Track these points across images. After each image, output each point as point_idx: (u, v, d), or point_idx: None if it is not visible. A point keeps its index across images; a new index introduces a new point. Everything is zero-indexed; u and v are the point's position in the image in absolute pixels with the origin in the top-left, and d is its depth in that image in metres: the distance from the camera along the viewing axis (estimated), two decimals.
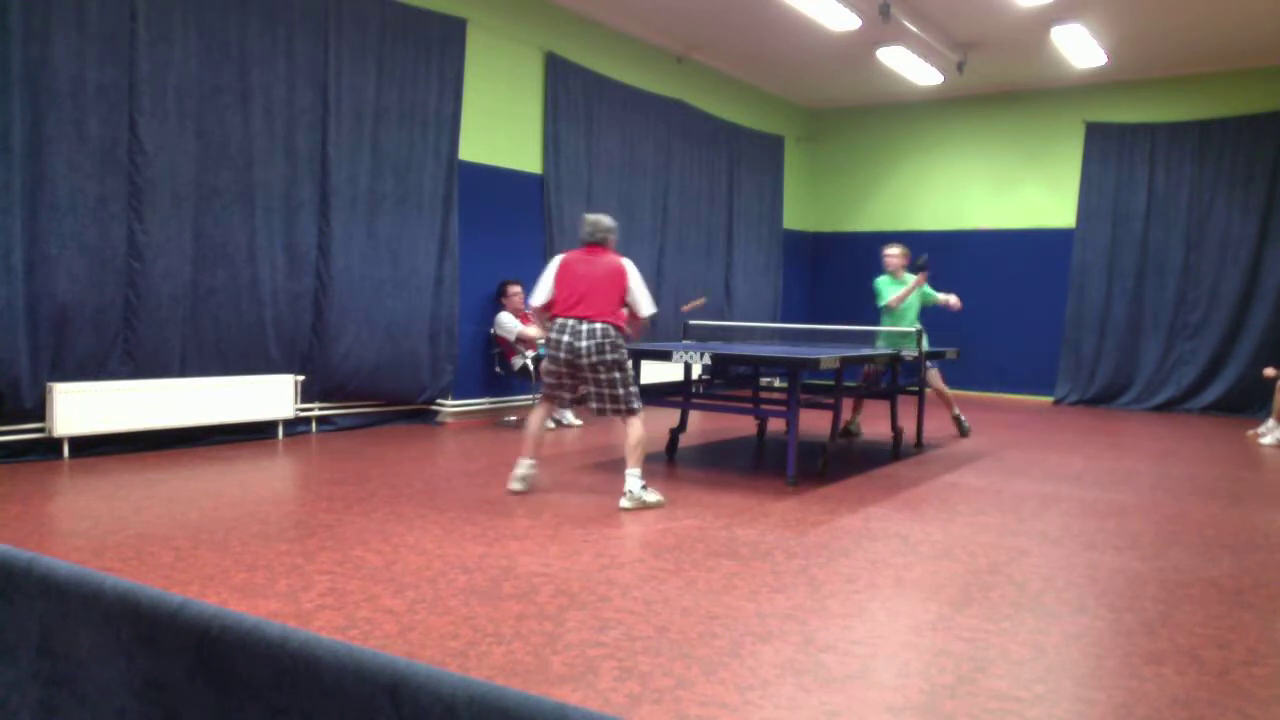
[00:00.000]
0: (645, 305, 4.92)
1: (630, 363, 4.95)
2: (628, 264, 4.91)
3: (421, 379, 7.52)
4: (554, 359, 4.84)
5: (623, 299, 4.86)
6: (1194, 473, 6.28)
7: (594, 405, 4.90)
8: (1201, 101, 10.29)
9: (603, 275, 4.82)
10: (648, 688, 2.47)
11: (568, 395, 5.03)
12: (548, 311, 4.94)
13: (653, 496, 4.80)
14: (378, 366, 7.18)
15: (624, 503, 4.72)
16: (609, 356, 4.76)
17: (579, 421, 7.84)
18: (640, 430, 4.85)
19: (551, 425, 7.63)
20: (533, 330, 7.72)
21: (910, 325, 7.34)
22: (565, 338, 4.77)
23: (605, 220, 5.02)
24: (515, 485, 4.99)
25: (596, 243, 4.95)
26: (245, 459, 5.82)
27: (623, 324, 4.85)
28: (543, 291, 4.94)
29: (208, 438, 6.23)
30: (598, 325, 4.75)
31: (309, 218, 6.68)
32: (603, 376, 4.80)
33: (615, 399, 4.84)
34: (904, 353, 6.75)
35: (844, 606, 3.21)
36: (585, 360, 4.75)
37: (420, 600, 3.14)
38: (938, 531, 4.38)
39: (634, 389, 4.90)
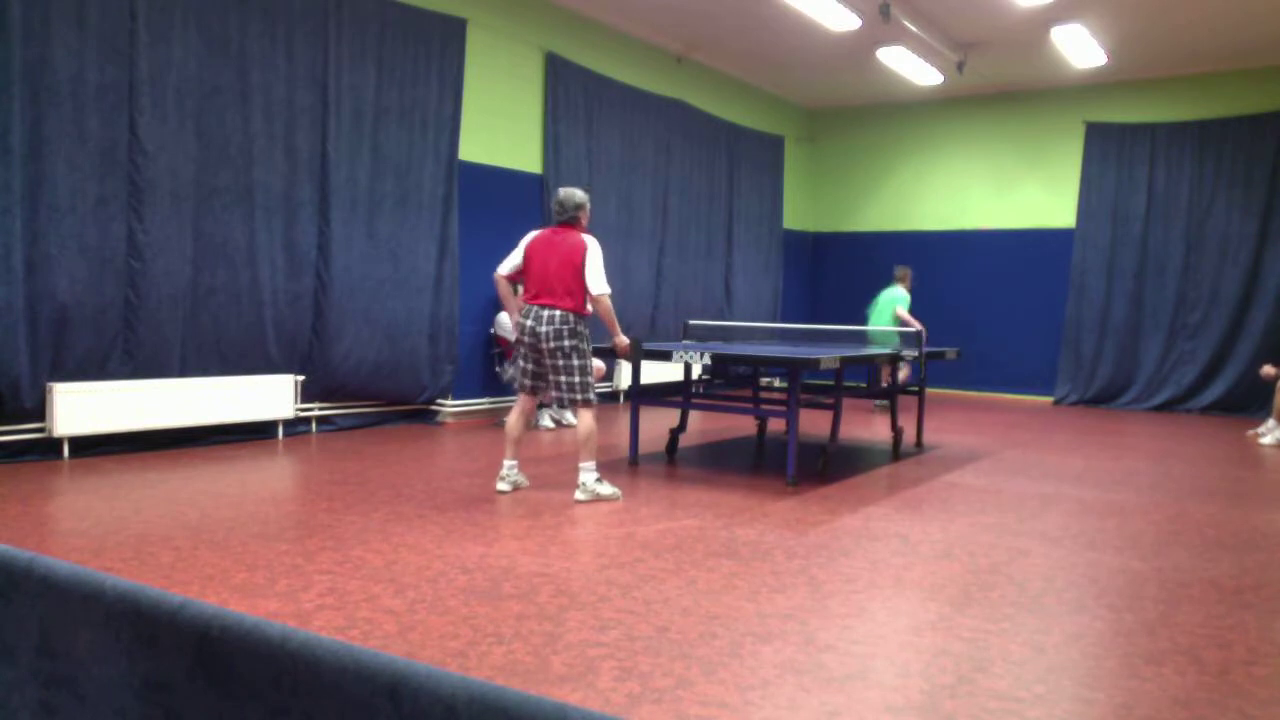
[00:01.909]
0: (595, 284, 4.74)
1: (590, 352, 4.87)
2: (589, 242, 4.79)
3: (421, 379, 7.52)
4: (521, 343, 4.89)
5: (583, 281, 4.78)
6: (1194, 473, 6.28)
7: (553, 393, 4.93)
8: (1201, 101, 10.29)
9: (563, 260, 4.76)
10: (648, 688, 2.47)
11: (529, 383, 4.94)
12: (510, 283, 4.99)
13: (607, 489, 4.88)
14: (378, 366, 7.18)
15: (578, 495, 4.83)
16: (566, 344, 4.75)
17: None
18: (590, 423, 4.86)
19: (551, 425, 7.63)
20: None
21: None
22: (529, 322, 4.80)
23: (576, 195, 4.89)
24: (501, 486, 5.00)
25: (565, 222, 4.88)
26: (245, 459, 5.82)
27: (584, 310, 4.79)
28: (507, 263, 4.96)
29: (208, 438, 6.23)
30: (557, 312, 4.74)
31: (309, 218, 6.68)
32: (560, 363, 4.79)
33: (571, 387, 4.81)
34: (904, 353, 6.76)
35: (844, 606, 3.21)
36: (544, 346, 4.77)
37: (420, 600, 3.14)
38: (938, 531, 4.38)
39: (588, 380, 4.83)
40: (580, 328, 4.79)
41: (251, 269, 6.35)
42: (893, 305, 9.46)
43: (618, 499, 4.87)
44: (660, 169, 10.00)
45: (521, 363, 4.96)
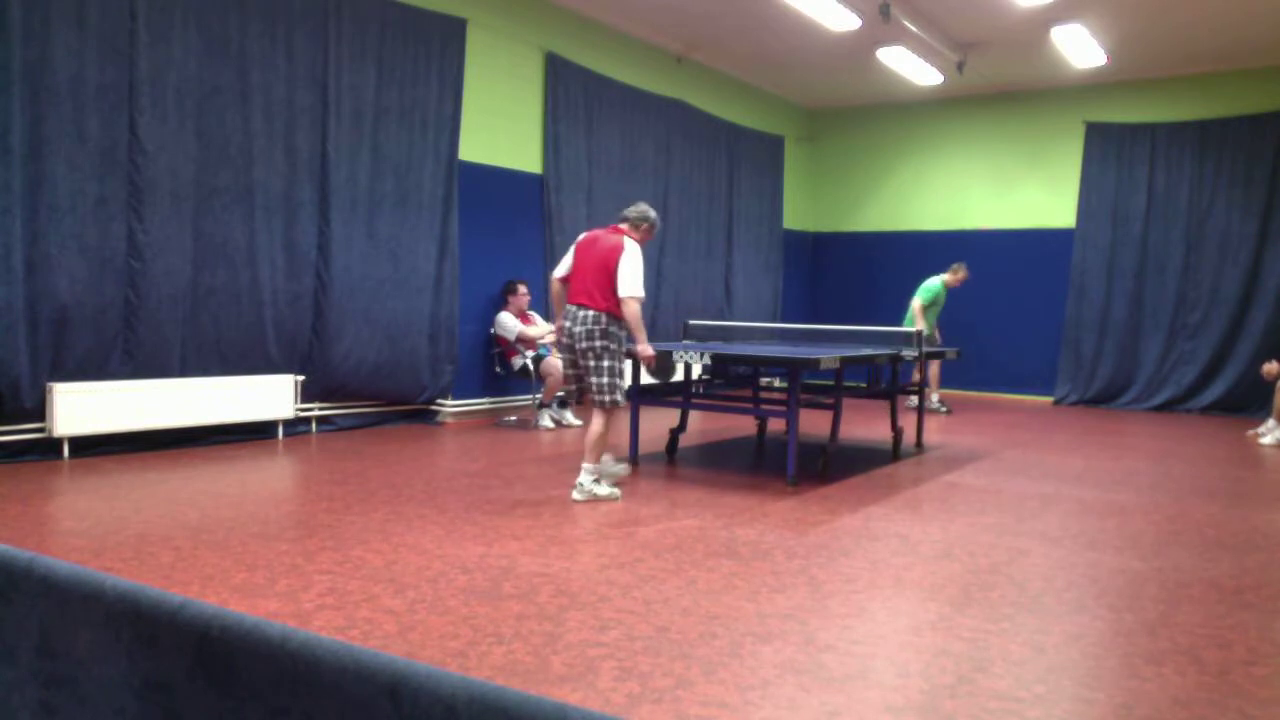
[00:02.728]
0: (624, 285, 4.76)
1: (621, 354, 4.88)
2: (628, 244, 4.83)
3: (421, 379, 7.52)
4: (561, 344, 5.03)
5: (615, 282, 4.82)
6: (1194, 473, 6.28)
7: (581, 390, 5.04)
8: (1201, 101, 10.29)
9: (599, 261, 4.82)
10: (648, 688, 2.47)
11: (574, 387, 5.08)
12: (564, 285, 5.07)
13: (604, 490, 4.89)
14: (378, 366, 7.18)
15: (574, 495, 4.86)
16: (596, 344, 4.80)
17: (579, 421, 7.84)
18: (599, 427, 4.87)
19: (551, 425, 7.63)
20: (533, 331, 7.72)
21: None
22: (567, 323, 4.92)
23: (647, 212, 5.01)
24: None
25: (621, 219, 5.01)
26: (245, 459, 5.82)
27: (619, 312, 4.82)
28: (561, 265, 5.09)
29: (208, 438, 6.23)
30: (590, 313, 4.80)
31: (309, 218, 6.68)
32: (590, 364, 4.85)
33: (600, 389, 4.85)
34: (904, 352, 6.75)
35: (844, 606, 3.21)
36: (578, 346, 4.85)
37: (420, 600, 3.14)
38: (938, 531, 4.38)
39: (617, 381, 4.85)
40: (613, 329, 4.82)
41: (251, 269, 6.35)
42: (918, 294, 9.44)
43: (616, 499, 4.87)
44: (660, 169, 10.00)
45: (565, 367, 5.08)
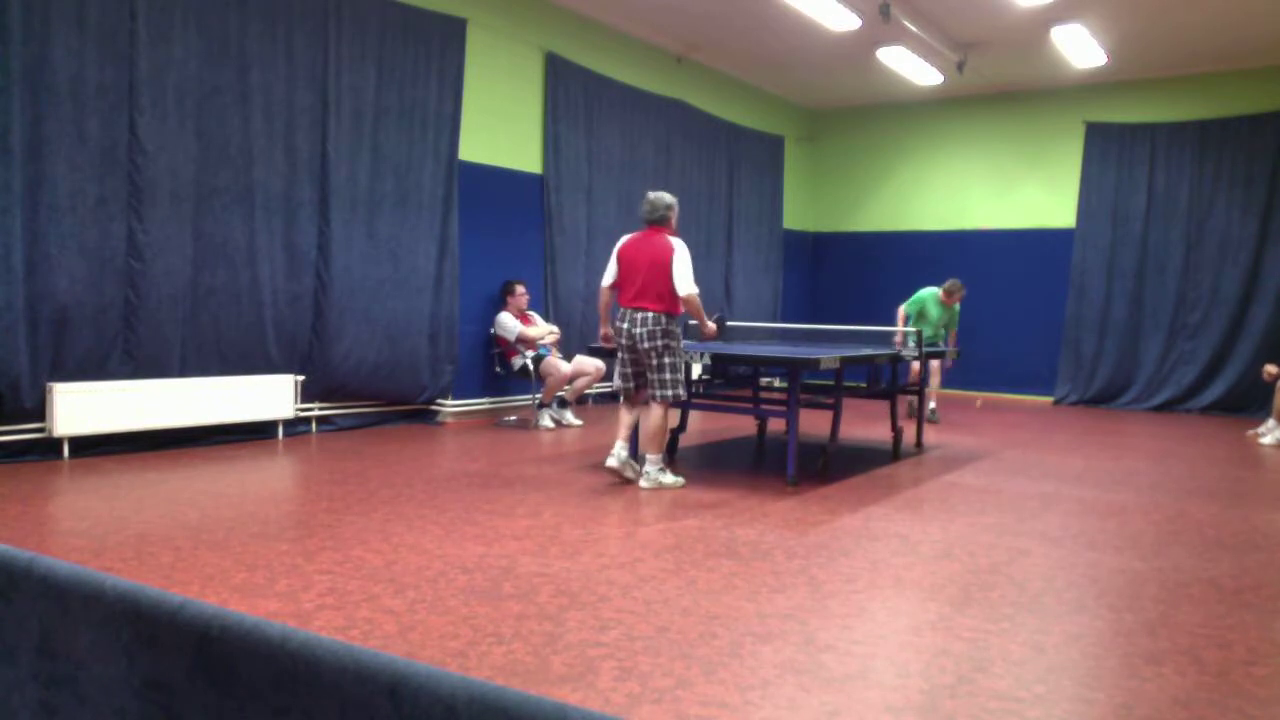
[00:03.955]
0: (682, 285, 5.05)
1: (681, 351, 5.19)
2: (676, 244, 5.09)
3: (421, 379, 7.52)
4: (620, 345, 5.22)
5: (672, 283, 5.09)
6: (1194, 473, 6.28)
7: (647, 390, 5.26)
8: (1201, 101, 10.29)
9: (652, 263, 5.07)
10: (648, 688, 2.47)
11: (630, 385, 5.26)
12: (613, 293, 5.29)
13: (669, 478, 5.19)
14: (378, 366, 7.18)
15: (642, 483, 5.17)
16: (659, 343, 5.08)
17: (579, 421, 7.84)
18: (658, 420, 5.15)
19: (551, 425, 7.63)
20: (533, 331, 7.72)
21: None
22: (624, 325, 5.14)
23: (664, 198, 5.20)
24: (611, 462, 5.23)
25: (654, 222, 5.19)
26: (245, 459, 5.82)
27: (676, 310, 5.10)
28: (608, 274, 5.32)
29: (208, 438, 6.23)
30: (650, 314, 5.07)
31: (309, 218, 6.68)
32: (653, 362, 5.12)
33: (662, 384, 5.13)
34: (903, 352, 6.75)
35: (844, 606, 3.21)
36: (641, 346, 5.11)
37: (420, 600, 3.14)
38: (938, 531, 4.38)
39: (677, 377, 5.14)
40: (672, 327, 5.12)
41: (251, 269, 6.35)
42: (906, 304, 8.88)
43: (680, 486, 5.19)
44: (660, 169, 9.99)
45: (619, 366, 5.28)
